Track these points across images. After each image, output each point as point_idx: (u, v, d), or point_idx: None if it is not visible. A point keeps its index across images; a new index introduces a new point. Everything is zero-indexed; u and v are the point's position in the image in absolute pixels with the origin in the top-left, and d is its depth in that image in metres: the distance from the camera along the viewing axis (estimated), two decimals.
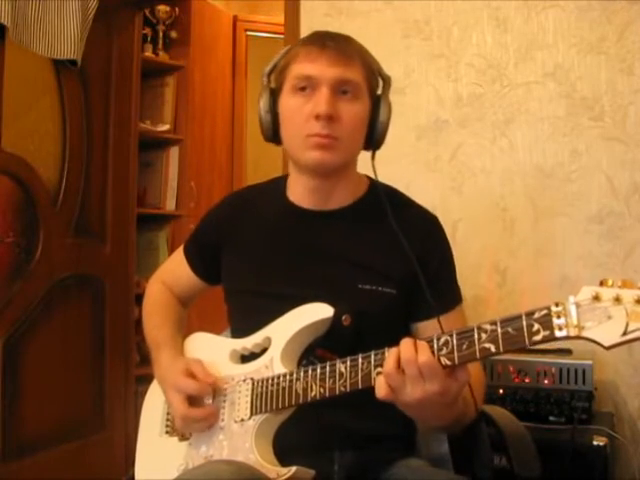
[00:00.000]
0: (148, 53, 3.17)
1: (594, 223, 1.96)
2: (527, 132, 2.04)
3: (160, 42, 3.26)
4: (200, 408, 1.13)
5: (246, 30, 3.65)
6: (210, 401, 1.13)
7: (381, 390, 0.92)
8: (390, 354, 0.92)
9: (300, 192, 1.24)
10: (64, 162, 2.44)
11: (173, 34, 3.30)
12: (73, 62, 2.38)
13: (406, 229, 1.15)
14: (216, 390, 1.13)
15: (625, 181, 1.93)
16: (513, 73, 2.06)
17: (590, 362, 1.69)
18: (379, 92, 1.23)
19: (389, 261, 1.17)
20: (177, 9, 3.30)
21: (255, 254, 1.25)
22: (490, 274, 2.06)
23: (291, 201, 1.25)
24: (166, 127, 3.24)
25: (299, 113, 1.15)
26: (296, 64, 1.16)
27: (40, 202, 2.32)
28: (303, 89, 1.15)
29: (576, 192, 1.98)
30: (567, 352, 1.74)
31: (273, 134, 1.21)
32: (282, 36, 2.49)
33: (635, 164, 1.92)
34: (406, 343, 0.92)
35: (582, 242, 1.97)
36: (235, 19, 3.64)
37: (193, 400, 1.14)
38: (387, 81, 1.24)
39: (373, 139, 1.21)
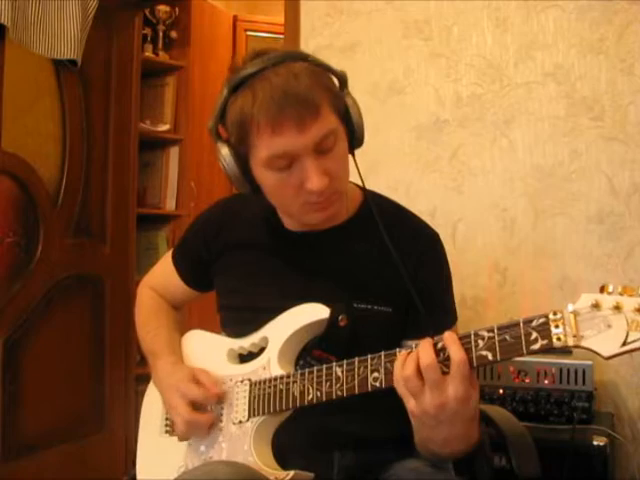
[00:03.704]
0: (148, 53, 3.17)
1: (594, 223, 1.96)
2: (527, 132, 2.04)
3: (160, 42, 3.26)
4: (204, 414, 1.12)
5: (246, 30, 3.65)
6: (210, 408, 1.13)
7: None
8: (410, 359, 0.90)
9: (290, 219, 1.19)
10: (64, 162, 2.44)
11: (173, 34, 3.30)
12: (73, 62, 2.38)
13: (402, 245, 1.12)
14: (220, 399, 1.12)
15: (625, 181, 1.93)
16: (513, 73, 2.06)
17: (590, 362, 1.70)
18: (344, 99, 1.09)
19: (384, 279, 1.14)
20: (177, 9, 3.30)
21: (246, 271, 1.22)
22: (490, 274, 2.06)
23: (281, 220, 1.21)
24: (166, 127, 3.24)
25: (285, 188, 1.05)
26: (258, 139, 1.01)
27: (40, 202, 2.32)
28: (280, 165, 1.03)
29: (576, 192, 1.98)
30: (567, 352, 1.74)
31: (252, 191, 1.10)
32: (282, 36, 2.49)
33: (635, 164, 1.92)
34: (425, 346, 0.90)
35: (582, 242, 1.97)
36: (235, 19, 3.63)
37: (196, 406, 1.13)
38: (343, 78, 1.10)
39: (354, 145, 1.11)
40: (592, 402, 1.67)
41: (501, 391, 1.73)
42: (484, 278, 2.06)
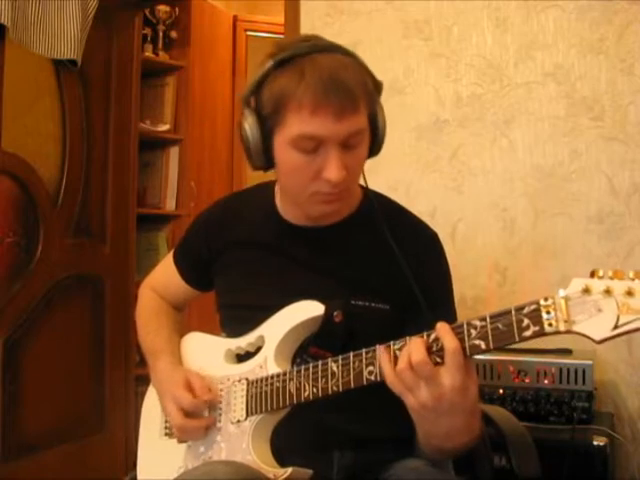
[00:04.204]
0: (148, 53, 3.17)
1: (594, 223, 1.96)
2: (527, 132, 2.04)
3: (160, 42, 3.26)
4: (196, 420, 1.12)
5: (246, 30, 3.65)
6: (206, 413, 1.13)
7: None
8: (402, 355, 0.91)
9: (292, 212, 1.20)
10: (64, 162, 2.44)
11: (173, 34, 3.30)
12: (73, 62, 2.38)
13: (402, 243, 1.12)
14: (212, 404, 1.12)
15: (625, 181, 1.93)
16: (513, 73, 2.06)
17: (590, 362, 1.69)
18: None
19: (383, 276, 1.14)
20: (177, 9, 3.31)
21: (246, 270, 1.22)
22: (490, 274, 2.06)
23: (281, 216, 1.21)
24: (166, 127, 3.24)
25: (304, 170, 1.06)
26: (295, 116, 1.02)
27: (40, 202, 2.32)
28: (307, 147, 1.04)
29: (576, 192, 1.98)
30: (567, 352, 1.74)
31: (265, 166, 1.11)
32: (282, 36, 2.49)
33: (635, 164, 1.92)
34: (416, 343, 0.90)
35: (582, 242, 1.97)
36: (235, 19, 3.64)
37: (188, 413, 1.13)
38: (379, 86, 1.12)
39: (373, 152, 1.14)
40: (592, 402, 1.67)
41: (501, 391, 1.73)
42: (484, 278, 2.06)
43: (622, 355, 1.89)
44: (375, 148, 1.13)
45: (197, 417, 1.13)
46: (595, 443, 1.59)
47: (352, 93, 1.02)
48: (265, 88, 1.05)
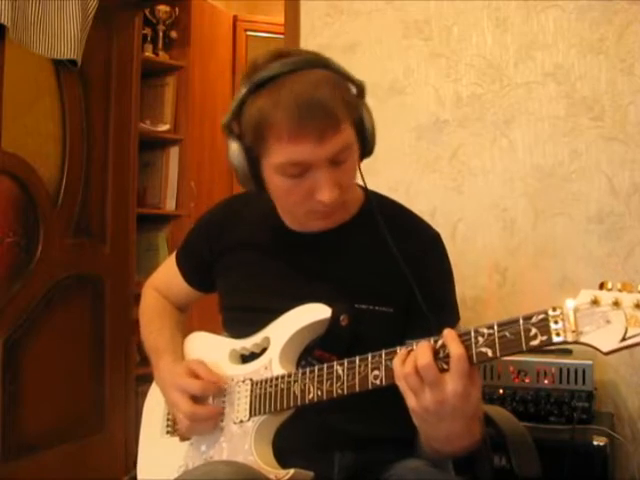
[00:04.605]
0: (148, 53, 3.17)
1: (594, 223, 1.96)
2: (527, 132, 2.04)
3: (160, 42, 3.26)
4: (205, 406, 1.13)
5: (246, 30, 3.65)
6: (211, 401, 1.13)
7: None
8: (409, 359, 0.91)
9: (291, 218, 1.20)
10: (64, 162, 2.44)
11: (173, 34, 3.31)
12: (73, 62, 2.38)
13: (403, 245, 1.12)
14: (219, 389, 1.13)
15: (625, 181, 1.93)
16: (513, 73, 2.06)
17: (590, 362, 1.69)
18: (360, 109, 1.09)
19: (386, 279, 1.14)
20: (177, 9, 3.31)
21: (247, 271, 1.23)
22: (490, 274, 2.06)
23: (282, 220, 1.21)
24: (166, 127, 3.24)
25: (295, 193, 1.06)
26: (276, 144, 1.01)
27: (40, 202, 2.32)
28: (294, 172, 1.03)
29: (576, 192, 1.98)
30: (567, 352, 1.74)
31: (257, 190, 1.11)
32: (282, 36, 2.49)
33: (635, 164, 1.92)
34: (423, 346, 0.90)
35: (582, 242, 1.97)
36: (235, 19, 3.64)
37: (197, 400, 1.13)
38: (361, 88, 1.09)
39: (364, 153, 1.12)
40: (592, 402, 1.67)
41: (501, 391, 1.73)
42: (484, 278, 2.06)
43: (622, 355, 1.89)
44: (367, 151, 1.12)
45: (205, 404, 1.13)
46: (595, 443, 1.59)
47: (331, 112, 1.00)
48: (245, 114, 1.04)
